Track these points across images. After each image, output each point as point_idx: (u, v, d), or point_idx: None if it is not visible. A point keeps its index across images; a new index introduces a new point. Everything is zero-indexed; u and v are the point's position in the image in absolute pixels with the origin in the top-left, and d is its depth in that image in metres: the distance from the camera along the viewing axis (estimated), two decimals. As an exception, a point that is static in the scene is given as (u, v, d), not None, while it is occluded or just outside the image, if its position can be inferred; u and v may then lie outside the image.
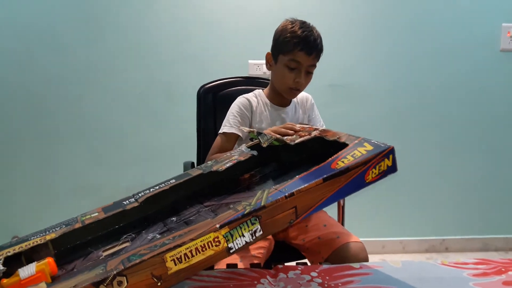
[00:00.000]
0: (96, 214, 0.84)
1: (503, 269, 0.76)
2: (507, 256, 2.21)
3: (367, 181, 0.77)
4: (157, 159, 2.15)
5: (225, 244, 0.67)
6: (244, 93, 1.35)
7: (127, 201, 0.88)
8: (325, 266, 0.76)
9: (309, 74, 1.23)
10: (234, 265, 0.82)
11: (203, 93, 1.54)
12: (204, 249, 0.65)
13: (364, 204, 2.18)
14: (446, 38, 2.18)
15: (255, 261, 1.03)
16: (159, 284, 0.62)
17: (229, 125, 1.26)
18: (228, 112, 1.30)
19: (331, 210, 1.28)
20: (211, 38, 2.09)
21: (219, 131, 1.28)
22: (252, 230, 0.69)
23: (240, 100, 1.31)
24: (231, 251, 0.67)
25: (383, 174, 0.79)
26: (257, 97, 1.33)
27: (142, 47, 2.10)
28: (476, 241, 2.32)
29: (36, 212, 2.11)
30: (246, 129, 1.03)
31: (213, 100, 1.51)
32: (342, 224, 1.33)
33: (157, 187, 0.90)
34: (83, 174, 2.14)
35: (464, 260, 0.79)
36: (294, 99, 1.36)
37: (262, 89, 1.37)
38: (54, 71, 2.09)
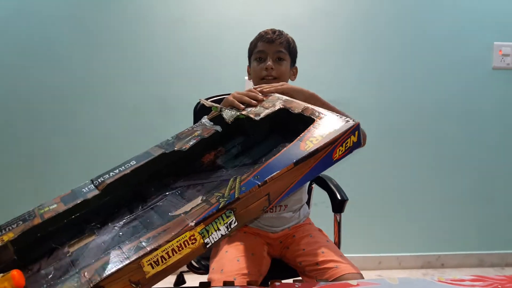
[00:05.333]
0: (55, 205, 0.80)
1: (499, 286, 0.75)
2: (504, 272, 2.25)
3: (334, 159, 0.78)
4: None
5: (201, 241, 0.66)
6: None
7: (86, 188, 0.83)
8: (322, 284, 0.77)
9: (280, 60, 1.25)
10: (231, 283, 0.82)
11: (200, 109, 1.44)
12: (180, 248, 0.64)
13: (360, 219, 2.16)
14: (439, 57, 2.16)
15: (252, 279, 1.03)
16: (138, 289, 0.62)
17: None
18: None
19: (327, 226, 1.30)
20: (208, 55, 2.03)
21: None
22: (227, 223, 0.68)
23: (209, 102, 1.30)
24: (207, 246, 0.67)
25: (349, 151, 0.80)
26: None
27: (138, 62, 2.03)
28: (472, 257, 2.32)
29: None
30: (208, 103, 0.99)
31: None
32: (339, 241, 1.32)
33: (117, 171, 0.86)
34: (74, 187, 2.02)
35: (461, 276, 0.78)
36: None
37: None
38: (48, 85, 2.02)
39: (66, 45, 2.01)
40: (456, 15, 2.16)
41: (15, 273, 0.62)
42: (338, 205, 1.28)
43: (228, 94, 1.43)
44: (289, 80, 1.32)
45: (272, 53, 1.24)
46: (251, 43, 1.31)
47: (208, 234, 0.67)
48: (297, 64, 1.36)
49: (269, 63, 1.22)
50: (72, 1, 1.99)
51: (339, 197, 1.27)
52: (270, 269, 1.18)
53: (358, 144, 0.81)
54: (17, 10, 1.97)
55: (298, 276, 1.18)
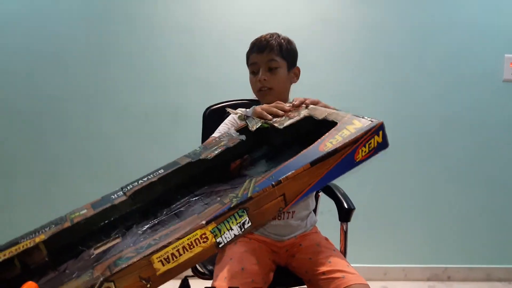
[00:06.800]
0: (85, 211, 0.83)
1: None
2: (510, 287, 2.20)
3: (357, 160, 0.75)
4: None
5: (213, 240, 0.65)
6: None
7: (115, 195, 0.86)
8: None
9: (272, 70, 1.22)
10: None
11: (209, 114, 1.50)
12: (191, 247, 0.64)
13: (366, 229, 2.16)
14: (449, 69, 2.15)
15: (257, 287, 1.03)
16: (148, 286, 0.62)
17: (218, 132, 1.25)
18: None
19: (333, 235, 1.28)
20: (217, 63, 2.09)
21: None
22: (240, 222, 0.67)
23: (235, 110, 1.30)
24: (220, 246, 0.66)
25: (373, 152, 0.77)
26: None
27: (148, 71, 2.10)
28: (479, 270, 2.28)
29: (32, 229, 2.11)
30: (233, 111, 1.00)
31: (219, 122, 1.45)
32: (345, 250, 1.30)
33: (146, 179, 0.88)
34: (84, 194, 2.08)
35: None
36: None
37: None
38: (58, 91, 2.10)
39: (78, 54, 2.08)
40: (467, 28, 2.15)
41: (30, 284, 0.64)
42: (345, 214, 1.25)
43: (237, 100, 1.46)
44: (291, 83, 1.28)
45: (264, 63, 1.21)
46: (246, 54, 1.28)
47: (221, 234, 0.66)
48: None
49: (261, 75, 1.20)
50: (84, 12, 2.07)
51: (346, 206, 1.24)
52: (275, 277, 1.16)
53: (384, 145, 0.78)
54: (30, 18, 2.05)
55: (303, 285, 1.16)
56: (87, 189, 2.08)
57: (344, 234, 1.29)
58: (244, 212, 0.67)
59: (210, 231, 0.65)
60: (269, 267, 1.15)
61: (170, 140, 2.10)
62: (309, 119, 0.92)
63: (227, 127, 1.23)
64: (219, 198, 0.72)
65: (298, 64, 1.30)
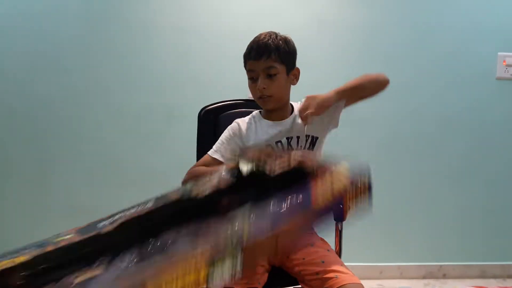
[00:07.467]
0: (70, 235, 0.83)
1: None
2: (505, 284, 2.22)
3: (345, 219, 0.79)
4: (155, 181, 2.06)
5: None
6: (244, 115, 1.36)
7: (102, 224, 0.86)
8: None
9: (271, 76, 1.20)
10: None
11: (203, 115, 1.53)
12: None
13: (361, 228, 2.12)
14: (443, 67, 2.22)
15: (251, 287, 1.03)
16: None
17: (215, 149, 1.27)
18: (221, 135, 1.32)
19: (328, 233, 1.26)
20: (212, 63, 2.12)
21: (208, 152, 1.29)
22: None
23: (231, 125, 1.32)
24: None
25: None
26: (252, 118, 1.33)
27: (143, 69, 2.12)
28: (474, 268, 2.31)
29: (27, 232, 2.03)
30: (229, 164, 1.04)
31: (214, 122, 1.49)
32: (340, 250, 1.31)
33: (134, 210, 0.89)
34: (79, 195, 2.12)
35: (462, 287, 0.81)
36: (295, 111, 1.31)
37: (260, 110, 1.35)
38: (52, 92, 2.11)
39: (72, 55, 2.10)
40: (460, 26, 2.21)
41: None
42: (340, 213, 1.25)
43: (232, 100, 1.49)
44: (291, 85, 1.28)
45: (262, 70, 1.19)
46: (244, 57, 1.25)
47: None
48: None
49: (260, 84, 1.19)
50: (78, 13, 2.09)
51: (341, 205, 1.25)
52: (270, 276, 1.16)
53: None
54: (24, 19, 2.07)
55: (298, 284, 1.17)
56: (81, 190, 2.14)
57: (339, 233, 1.29)
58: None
59: None
60: (264, 267, 1.15)
61: (166, 141, 2.13)
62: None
63: (223, 146, 1.26)
64: (209, 237, 0.74)
65: (297, 64, 1.28)
